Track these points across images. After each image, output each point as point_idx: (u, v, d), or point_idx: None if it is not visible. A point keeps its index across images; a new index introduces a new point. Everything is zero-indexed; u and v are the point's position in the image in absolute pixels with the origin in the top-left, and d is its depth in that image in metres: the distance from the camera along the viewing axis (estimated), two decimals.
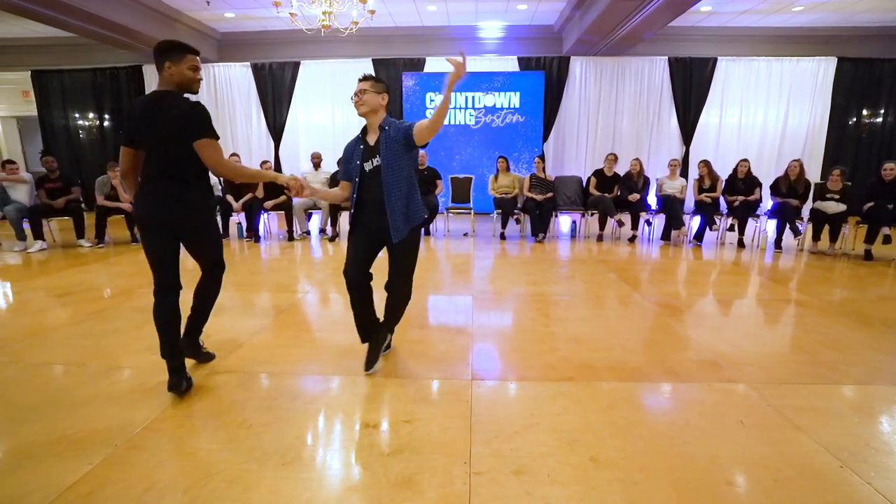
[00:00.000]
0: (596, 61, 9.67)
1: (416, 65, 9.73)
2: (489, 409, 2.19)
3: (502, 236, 6.85)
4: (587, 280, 4.56)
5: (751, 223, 6.45)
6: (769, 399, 2.27)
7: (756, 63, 9.56)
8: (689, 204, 7.26)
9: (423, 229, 2.71)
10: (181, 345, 2.31)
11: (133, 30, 7.86)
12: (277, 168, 10.10)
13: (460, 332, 3.18)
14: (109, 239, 6.45)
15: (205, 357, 2.61)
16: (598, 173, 7.04)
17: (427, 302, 3.86)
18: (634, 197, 6.61)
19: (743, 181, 6.44)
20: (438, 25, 9.67)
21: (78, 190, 6.35)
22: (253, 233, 6.58)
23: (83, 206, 6.49)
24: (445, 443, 1.91)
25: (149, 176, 2.20)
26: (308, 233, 7.08)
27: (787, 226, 6.03)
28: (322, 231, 7.16)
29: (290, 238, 6.70)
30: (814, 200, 6.19)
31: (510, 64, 9.77)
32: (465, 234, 7.19)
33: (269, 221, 7.33)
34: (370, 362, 2.54)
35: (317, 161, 7.31)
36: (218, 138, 2.20)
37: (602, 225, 6.75)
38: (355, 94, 2.36)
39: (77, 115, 10.57)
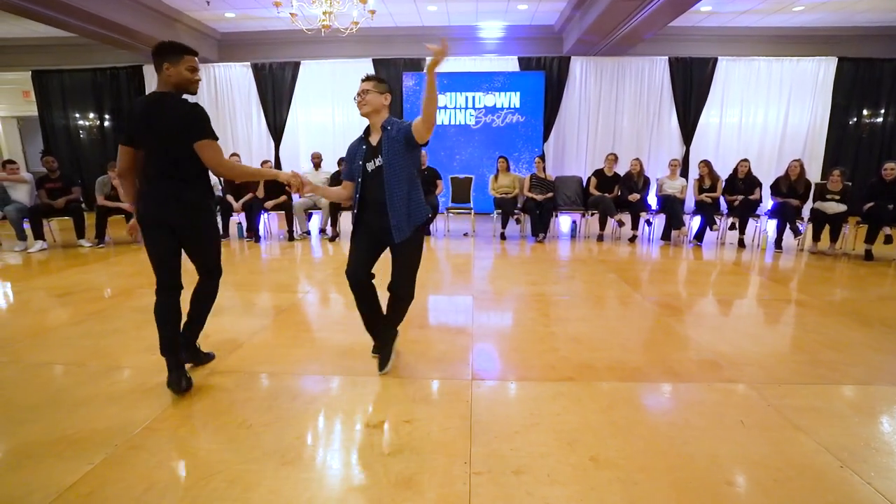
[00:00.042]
0: (596, 61, 9.67)
1: (417, 65, 9.73)
2: (489, 409, 2.19)
3: (502, 236, 6.85)
4: (587, 280, 4.56)
5: (751, 223, 6.45)
6: (769, 399, 2.27)
7: (756, 63, 9.56)
8: (690, 204, 7.26)
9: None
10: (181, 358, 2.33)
11: (133, 30, 7.87)
12: (277, 168, 10.10)
13: (460, 332, 3.18)
14: (110, 239, 6.45)
15: (205, 357, 2.62)
16: (599, 173, 7.04)
17: (427, 302, 3.86)
18: (635, 197, 6.60)
19: (743, 181, 6.44)
20: (439, 25, 9.67)
21: (78, 190, 6.35)
22: (253, 233, 6.59)
23: (83, 206, 6.49)
24: (445, 443, 1.91)
25: (149, 176, 2.22)
26: (308, 233, 7.08)
27: (788, 226, 6.03)
28: (322, 231, 7.15)
29: (291, 238, 6.70)
30: (814, 200, 6.19)
31: (510, 64, 9.77)
32: (466, 234, 7.19)
33: (270, 221, 7.33)
34: (383, 362, 2.54)
35: (317, 161, 7.31)
36: (217, 139, 2.22)
37: (602, 225, 6.75)
38: (358, 94, 2.36)
39: (77, 115, 10.58)
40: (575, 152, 10.04)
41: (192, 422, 2.07)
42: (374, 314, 2.56)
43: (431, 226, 7.21)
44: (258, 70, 10.01)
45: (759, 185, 6.42)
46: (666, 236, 6.76)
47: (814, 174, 8.80)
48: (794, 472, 1.74)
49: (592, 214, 7.02)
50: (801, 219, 6.20)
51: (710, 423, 2.06)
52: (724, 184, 6.57)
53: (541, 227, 6.62)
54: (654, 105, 9.79)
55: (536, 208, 6.62)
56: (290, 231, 6.75)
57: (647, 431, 2.01)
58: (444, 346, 2.92)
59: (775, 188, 6.23)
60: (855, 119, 9.80)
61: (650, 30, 8.08)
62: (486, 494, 1.62)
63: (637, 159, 6.94)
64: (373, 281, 2.52)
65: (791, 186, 6.13)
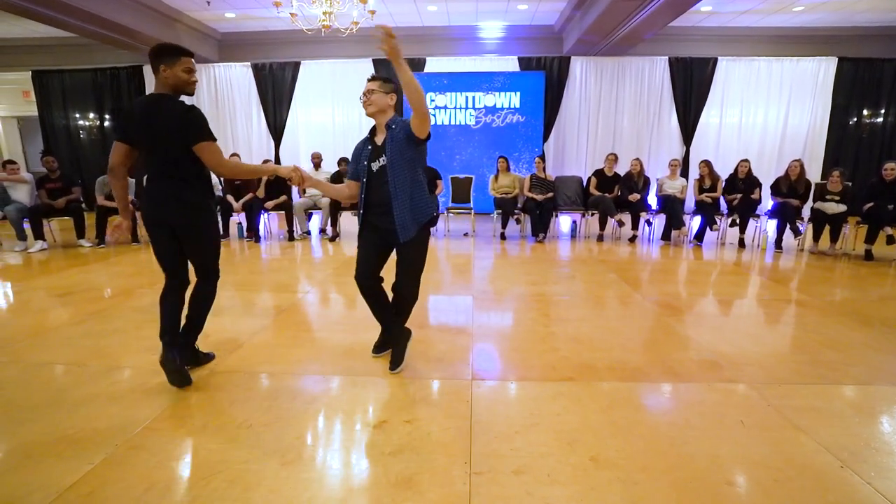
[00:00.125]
0: (596, 61, 9.67)
1: (417, 65, 9.73)
2: (489, 409, 2.19)
3: (502, 236, 6.85)
4: (587, 280, 4.56)
5: (751, 223, 6.45)
6: (769, 399, 2.27)
7: (756, 63, 9.56)
8: (690, 204, 7.26)
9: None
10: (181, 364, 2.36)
11: (133, 30, 7.87)
12: None
13: (460, 332, 3.18)
14: (110, 239, 6.45)
15: (204, 358, 2.62)
16: (599, 173, 7.04)
17: (427, 302, 3.86)
18: (635, 197, 6.60)
19: (743, 181, 6.44)
20: (439, 25, 9.68)
21: (78, 190, 6.35)
22: (253, 233, 6.59)
23: (84, 206, 6.49)
24: (446, 443, 1.91)
25: (150, 176, 2.25)
26: (308, 233, 7.08)
27: (788, 226, 6.03)
28: (322, 231, 7.15)
29: (291, 238, 6.70)
30: (814, 201, 6.19)
31: (510, 64, 9.77)
32: (466, 234, 7.19)
33: (270, 221, 7.33)
34: (395, 362, 2.55)
35: (317, 161, 7.31)
36: (215, 140, 2.24)
37: (602, 225, 6.75)
38: (364, 93, 2.37)
39: (77, 116, 10.59)
40: (575, 152, 10.04)
41: (192, 422, 2.06)
42: (385, 312, 2.59)
43: (431, 226, 7.19)
44: (258, 70, 10.01)
45: (760, 185, 6.42)
46: (666, 236, 6.76)
47: (814, 174, 8.81)
48: (795, 472, 1.73)
49: (592, 214, 7.02)
50: (802, 219, 6.20)
51: (710, 423, 2.06)
52: (724, 184, 6.57)
53: (541, 227, 6.62)
54: (654, 105, 9.79)
55: (536, 208, 6.62)
56: (291, 231, 6.75)
57: (647, 431, 2.00)
58: (445, 346, 2.92)
59: (775, 188, 6.23)
60: (855, 119, 9.80)
61: (650, 30, 8.09)
62: (487, 494, 1.62)
63: (637, 159, 6.94)
64: (381, 283, 2.53)
65: (791, 186, 6.13)
